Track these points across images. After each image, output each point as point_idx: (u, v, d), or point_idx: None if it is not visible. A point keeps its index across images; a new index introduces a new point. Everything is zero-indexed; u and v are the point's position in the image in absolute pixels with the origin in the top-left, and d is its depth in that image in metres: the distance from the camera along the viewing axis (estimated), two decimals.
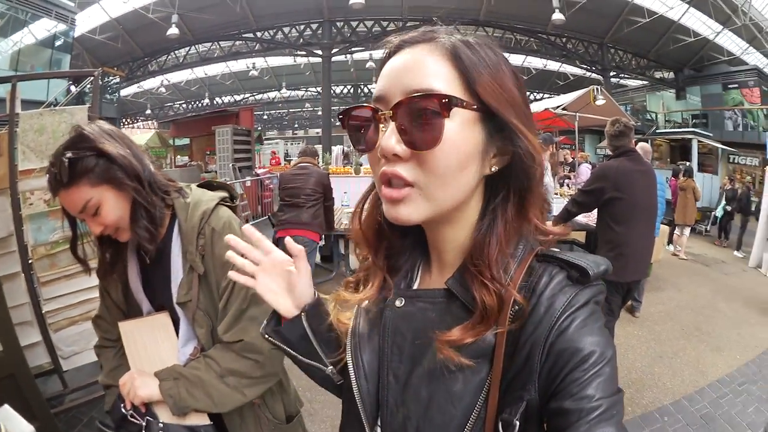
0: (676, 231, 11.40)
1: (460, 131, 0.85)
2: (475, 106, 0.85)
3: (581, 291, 0.85)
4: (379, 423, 1.03)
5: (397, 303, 1.04)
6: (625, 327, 6.80)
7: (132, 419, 1.77)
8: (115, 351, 2.10)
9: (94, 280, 4.21)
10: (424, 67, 0.86)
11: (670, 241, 10.99)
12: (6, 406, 1.62)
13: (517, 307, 0.87)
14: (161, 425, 1.76)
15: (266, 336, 1.26)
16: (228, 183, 2.13)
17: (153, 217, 1.75)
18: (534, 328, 0.84)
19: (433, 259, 1.06)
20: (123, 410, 1.79)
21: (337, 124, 32.71)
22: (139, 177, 1.71)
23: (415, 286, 1.08)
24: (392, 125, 0.87)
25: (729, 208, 13.02)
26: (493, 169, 0.92)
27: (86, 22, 25.14)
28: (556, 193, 10.09)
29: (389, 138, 0.86)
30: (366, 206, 1.10)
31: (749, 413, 5.14)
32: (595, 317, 0.84)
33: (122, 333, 1.93)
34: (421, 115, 0.84)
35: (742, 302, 8.94)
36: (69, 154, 1.60)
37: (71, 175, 1.61)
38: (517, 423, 0.81)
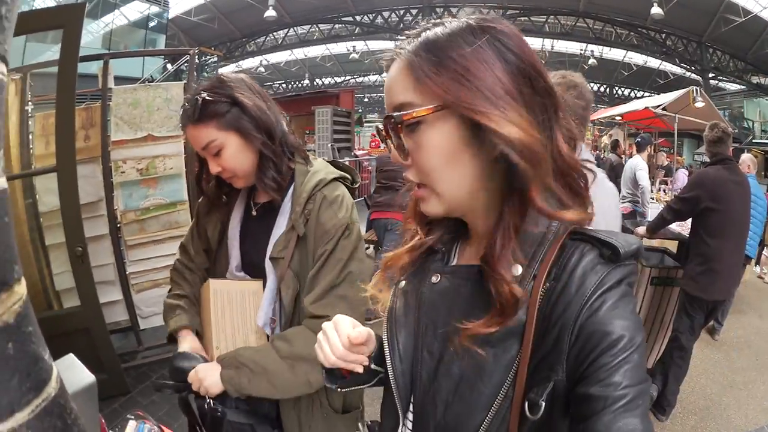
0: (765, 252, 10.31)
1: (431, 133, 0.89)
2: (435, 107, 0.86)
3: (613, 270, 0.84)
4: (412, 399, 1.05)
5: (433, 279, 1.07)
6: (702, 349, 6.38)
7: (212, 410, 1.77)
8: (189, 281, 2.14)
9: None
10: (394, 84, 0.93)
11: (758, 262, 10.24)
12: (71, 355, 1.63)
13: (548, 285, 0.87)
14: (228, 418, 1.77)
15: (340, 390, 1.24)
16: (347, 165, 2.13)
17: (281, 170, 1.81)
18: (564, 307, 0.83)
19: (472, 237, 1.07)
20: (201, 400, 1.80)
21: None
22: (270, 131, 1.77)
23: (453, 263, 1.09)
24: (394, 138, 0.95)
25: None
26: (504, 151, 0.85)
27: (180, 4, 25.82)
28: (652, 198, 9.66)
29: (393, 151, 0.96)
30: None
31: None
32: (627, 300, 0.83)
33: (211, 291, 1.90)
34: (393, 132, 0.93)
35: None
36: (204, 95, 1.68)
37: (201, 114, 1.69)
38: (543, 404, 0.81)
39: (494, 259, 0.89)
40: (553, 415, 0.82)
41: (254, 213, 1.94)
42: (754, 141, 23.15)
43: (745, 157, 8.18)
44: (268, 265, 1.84)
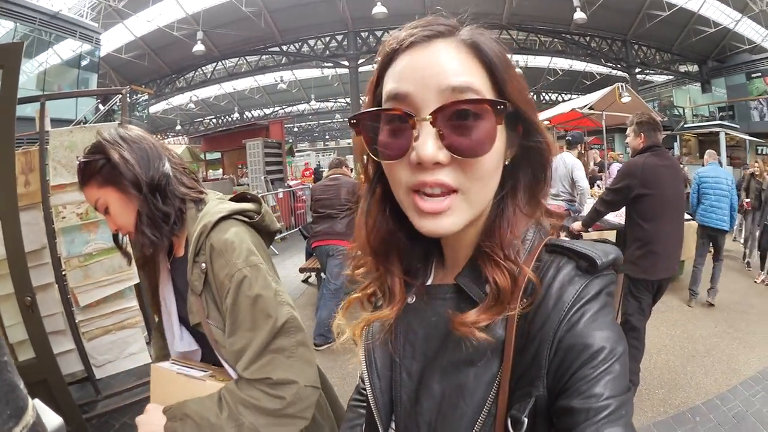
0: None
1: (494, 130, 0.81)
2: (509, 107, 0.82)
3: (591, 282, 0.83)
4: (393, 419, 1.04)
5: (409, 300, 1.04)
6: (658, 328, 6.69)
7: None
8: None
9: (128, 290, 4.36)
10: (455, 63, 0.81)
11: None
12: (37, 400, 1.61)
13: (531, 287, 0.84)
14: None
15: None
16: (260, 195, 2.07)
17: (155, 224, 1.76)
18: (543, 321, 0.81)
19: (446, 255, 1.04)
20: None
21: None
22: (137, 182, 1.73)
23: (429, 283, 1.06)
24: (431, 131, 0.80)
25: None
26: (506, 162, 0.89)
27: (111, 41, 25.57)
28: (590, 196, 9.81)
29: (429, 145, 0.80)
30: (373, 217, 1.04)
31: None
32: (606, 310, 0.82)
33: (152, 376, 1.88)
34: (469, 121, 0.80)
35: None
36: (81, 158, 1.75)
37: (82, 176, 1.76)
38: (526, 420, 0.79)
39: (501, 242, 0.87)
40: (536, 430, 0.81)
41: (168, 268, 1.92)
42: (685, 126, 23.77)
43: (707, 153, 9.71)
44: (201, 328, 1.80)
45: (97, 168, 1.72)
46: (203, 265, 1.70)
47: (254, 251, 1.74)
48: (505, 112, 0.80)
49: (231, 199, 1.98)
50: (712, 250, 8.62)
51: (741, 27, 26.12)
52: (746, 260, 10.69)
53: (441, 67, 0.80)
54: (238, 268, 1.66)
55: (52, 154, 4.19)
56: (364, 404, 1.27)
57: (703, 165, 9.52)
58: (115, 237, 1.94)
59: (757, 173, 10.81)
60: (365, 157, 0.99)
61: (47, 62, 21.73)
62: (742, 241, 11.18)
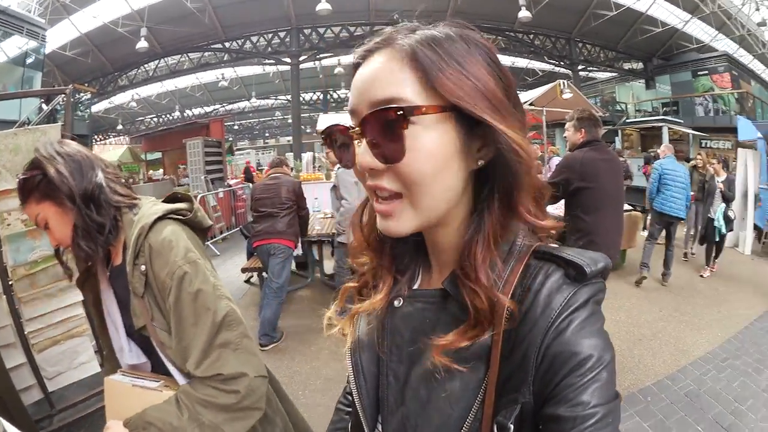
0: (650, 216, 11.27)
1: (428, 136, 0.83)
2: (439, 107, 0.82)
3: (580, 290, 0.82)
4: (380, 421, 1.04)
5: (396, 303, 1.05)
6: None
7: None
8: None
9: (74, 297, 4.19)
10: (384, 76, 0.85)
11: (645, 227, 11.16)
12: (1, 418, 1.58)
13: (510, 312, 0.84)
14: None
15: None
16: (195, 194, 2.06)
17: (90, 235, 1.78)
18: (530, 329, 0.81)
19: (432, 259, 1.05)
20: None
21: (308, 131, 32.19)
22: (71, 195, 1.75)
23: (416, 287, 1.07)
24: (363, 141, 0.87)
25: (732, 215, 9.93)
26: (480, 163, 0.89)
27: (56, 38, 24.93)
28: None
29: (364, 154, 0.87)
30: (365, 214, 1.10)
31: (735, 387, 5.24)
32: (594, 318, 0.81)
33: (106, 390, 1.86)
34: (384, 129, 0.83)
35: (721, 281, 9.12)
36: (19, 176, 1.78)
37: (21, 193, 1.79)
38: (512, 427, 0.80)
39: (476, 269, 0.87)
40: None
41: (108, 275, 1.93)
42: (627, 121, 24.33)
43: (663, 146, 10.60)
44: (146, 334, 1.80)
45: (35, 184, 1.76)
46: (143, 267, 1.72)
47: (192, 248, 1.78)
48: (405, 116, 0.81)
49: (163, 201, 2.01)
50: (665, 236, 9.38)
51: (690, 27, 26.88)
52: (686, 251, 11.19)
53: (371, 81, 0.85)
54: (178, 266, 1.70)
55: None
56: (349, 408, 1.34)
57: (659, 157, 10.22)
58: (57, 252, 1.96)
59: (700, 165, 11.05)
60: None
61: None
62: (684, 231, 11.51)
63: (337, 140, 0.97)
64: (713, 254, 9.80)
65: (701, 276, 9.48)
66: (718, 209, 9.66)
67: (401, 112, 0.81)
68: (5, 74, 21.86)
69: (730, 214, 9.61)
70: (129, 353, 1.91)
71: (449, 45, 0.85)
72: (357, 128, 0.87)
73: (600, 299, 0.85)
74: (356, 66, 0.92)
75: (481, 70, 0.85)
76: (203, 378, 1.65)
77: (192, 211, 1.93)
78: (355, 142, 0.88)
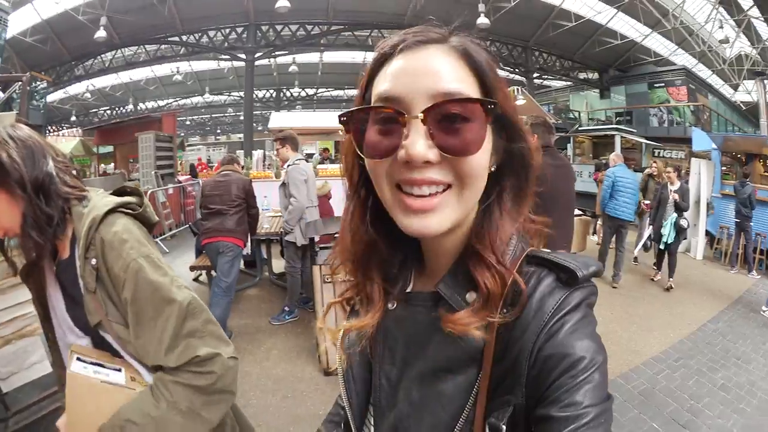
0: (599, 221, 11.69)
1: (484, 131, 0.84)
2: (494, 104, 0.83)
3: (571, 293, 0.83)
4: (372, 423, 1.05)
5: (389, 306, 1.04)
6: None
7: None
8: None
9: (24, 295, 4.05)
10: (445, 69, 0.83)
11: (594, 231, 11.57)
12: None
13: (509, 303, 0.85)
14: None
15: None
16: (145, 190, 1.99)
17: (39, 226, 1.68)
18: (522, 330, 0.81)
19: (427, 263, 1.04)
20: None
21: (260, 128, 31.90)
22: (22, 182, 1.65)
23: (409, 290, 1.06)
24: (421, 129, 0.81)
25: (685, 223, 9.84)
26: (492, 168, 0.91)
27: (17, 23, 24.22)
28: None
29: (418, 144, 0.81)
30: (354, 222, 1.04)
31: (690, 385, 5.37)
32: (586, 321, 0.82)
33: (68, 385, 1.74)
34: (459, 120, 0.81)
35: (673, 280, 9.37)
36: None
37: None
38: (504, 428, 0.79)
39: (492, 245, 0.88)
40: None
41: (54, 270, 1.82)
42: (580, 129, 24.73)
43: (613, 155, 11.15)
44: (101, 331, 1.74)
45: None
46: (93, 260, 1.67)
47: (144, 242, 1.75)
48: (494, 112, 0.83)
49: (112, 194, 1.94)
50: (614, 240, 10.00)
51: (649, 41, 27.52)
52: (635, 255, 11.49)
53: (432, 71, 0.82)
54: (133, 258, 1.66)
55: None
56: (336, 419, 1.31)
57: (607, 165, 10.82)
58: (1, 245, 1.86)
59: (655, 174, 11.37)
60: (351, 160, 0.99)
61: None
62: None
63: (359, 125, 0.89)
64: (663, 261, 9.90)
65: (652, 279, 9.84)
66: (669, 218, 9.70)
67: (491, 106, 0.82)
68: None
69: (683, 223, 9.61)
70: (73, 337, 1.84)
71: (485, 54, 0.88)
72: (418, 115, 0.81)
73: (592, 302, 0.86)
74: (386, 56, 0.88)
75: (504, 82, 0.89)
76: (178, 366, 1.63)
77: (142, 206, 1.88)
78: (404, 130, 0.83)
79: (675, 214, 9.66)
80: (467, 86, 0.83)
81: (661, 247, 9.78)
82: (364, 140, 0.88)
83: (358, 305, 1.11)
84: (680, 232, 9.66)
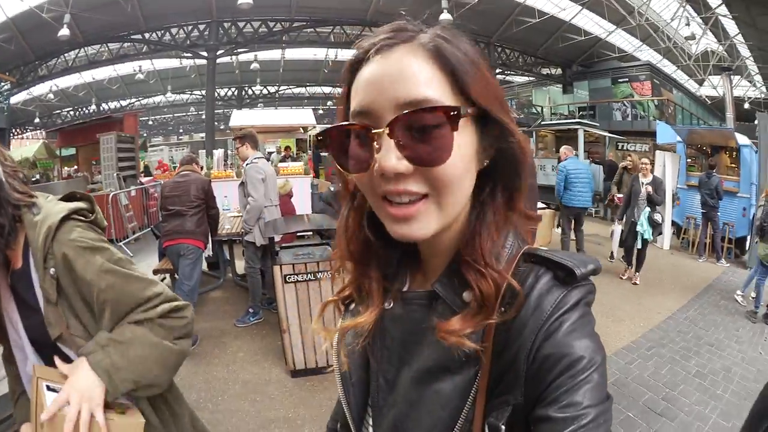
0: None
1: (461, 138, 0.81)
2: (470, 110, 0.82)
3: (570, 292, 0.82)
4: (371, 423, 1.06)
5: (386, 305, 1.04)
6: None
7: None
8: (16, 371, 1.95)
9: None
10: (411, 74, 0.80)
11: (559, 224, 11.53)
12: None
13: (507, 302, 0.84)
14: None
15: None
16: (107, 192, 1.96)
17: None
18: (521, 330, 0.81)
19: (423, 262, 1.04)
20: None
21: (222, 127, 32.12)
22: None
23: (405, 289, 1.06)
24: (390, 143, 0.81)
25: (659, 218, 9.46)
26: (485, 164, 0.90)
27: None
28: None
29: (388, 157, 0.80)
30: (350, 224, 1.05)
31: (663, 374, 5.43)
32: (585, 320, 0.81)
33: (33, 379, 1.69)
34: (425, 130, 0.79)
35: (641, 275, 9.40)
36: None
37: None
38: (503, 428, 0.79)
39: (482, 251, 0.87)
40: None
41: (9, 282, 1.76)
42: (542, 123, 24.92)
43: (563, 149, 11.41)
44: (60, 344, 1.74)
45: None
46: (52, 270, 1.65)
47: (105, 245, 1.77)
48: (459, 118, 0.79)
49: (61, 200, 1.90)
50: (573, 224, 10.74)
51: (613, 37, 27.71)
52: (612, 250, 11.36)
53: (398, 78, 0.81)
54: (103, 261, 1.69)
55: None
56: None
57: (560, 159, 11.12)
58: None
59: (630, 167, 11.53)
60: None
61: None
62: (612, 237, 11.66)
63: (337, 142, 0.90)
64: (634, 258, 9.74)
65: (621, 277, 9.72)
66: (642, 213, 9.46)
67: (454, 113, 0.78)
68: None
69: (657, 218, 9.39)
70: (30, 361, 1.81)
71: (462, 45, 0.85)
72: (382, 129, 0.81)
73: (590, 301, 0.86)
74: (359, 62, 0.88)
75: (489, 72, 0.87)
76: (161, 315, 1.77)
77: (94, 212, 1.87)
78: (374, 144, 0.83)
79: (648, 209, 9.43)
80: (436, 88, 0.80)
81: (639, 245, 9.51)
82: (342, 156, 0.89)
83: (356, 303, 1.12)
84: (655, 227, 9.44)
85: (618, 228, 10.58)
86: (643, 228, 9.35)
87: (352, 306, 1.14)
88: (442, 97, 0.80)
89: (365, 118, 0.84)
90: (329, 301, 1.17)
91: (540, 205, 10.63)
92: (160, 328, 1.74)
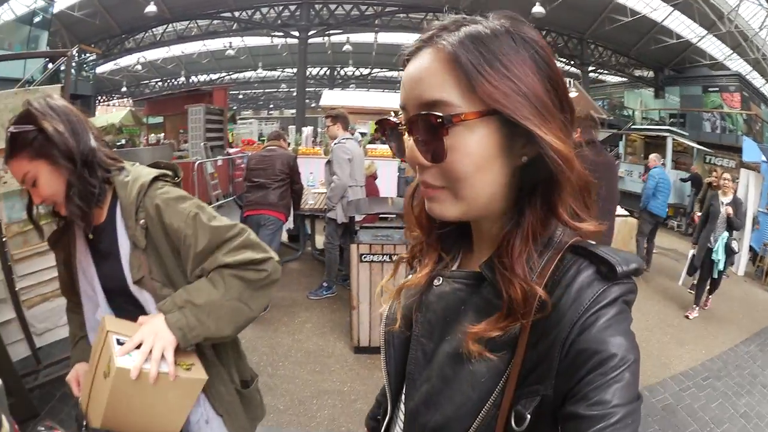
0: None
1: (471, 138, 0.83)
2: (480, 112, 0.82)
3: (610, 287, 0.82)
4: (404, 397, 1.09)
5: (435, 282, 1.06)
6: None
7: None
8: (80, 319, 2.11)
9: None
10: (428, 77, 0.85)
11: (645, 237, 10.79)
12: None
13: (541, 302, 0.84)
14: None
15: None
16: (193, 161, 2.13)
17: (85, 196, 1.77)
18: (557, 321, 0.81)
19: (474, 243, 1.06)
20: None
21: (312, 105, 31.88)
22: (71, 155, 1.73)
23: (455, 267, 1.08)
24: (410, 138, 0.89)
25: (736, 246, 8.36)
26: (524, 159, 0.88)
27: None
28: None
29: (412, 150, 0.89)
30: (417, 195, 1.08)
31: (712, 408, 5.22)
32: (622, 317, 0.81)
33: (100, 328, 1.79)
34: (429, 130, 0.84)
35: (712, 298, 8.84)
36: (12, 129, 1.70)
37: (11, 148, 1.71)
38: (529, 417, 0.80)
39: (512, 260, 0.87)
40: (538, 429, 0.81)
41: (90, 237, 1.91)
42: (633, 127, 24.18)
43: (652, 156, 11.66)
44: (135, 289, 1.88)
45: (28, 140, 1.71)
46: (142, 221, 1.81)
47: (193, 197, 1.94)
48: (445, 124, 0.82)
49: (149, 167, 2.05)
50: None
51: (704, 43, 26.67)
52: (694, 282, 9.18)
53: (418, 80, 0.87)
54: (190, 209, 1.83)
55: None
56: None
57: (647, 166, 11.36)
58: (29, 210, 1.95)
59: (715, 183, 10.42)
60: None
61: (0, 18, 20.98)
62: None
63: (386, 131, 1.02)
64: (707, 290, 8.35)
65: (686, 317, 8.09)
66: (719, 238, 8.01)
67: (440, 120, 0.82)
68: (11, 33, 21.72)
69: (734, 246, 8.10)
70: (101, 312, 1.96)
71: (493, 43, 0.83)
72: (404, 126, 0.91)
73: (630, 300, 0.85)
74: (403, 62, 0.93)
75: (526, 70, 0.83)
76: (237, 264, 1.82)
77: (178, 177, 2.04)
78: (405, 137, 0.92)
79: (726, 233, 8.00)
80: (450, 91, 0.83)
81: (714, 275, 8.06)
82: (391, 143, 1.03)
83: (416, 264, 1.17)
84: (729, 255, 8.13)
85: (692, 251, 8.66)
86: (718, 256, 7.95)
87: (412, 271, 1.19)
88: (456, 99, 0.82)
89: (404, 113, 0.92)
90: (401, 259, 1.23)
91: (622, 211, 10.28)
92: (238, 281, 1.82)
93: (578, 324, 0.79)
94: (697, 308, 8.26)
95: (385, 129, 1.02)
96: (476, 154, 0.84)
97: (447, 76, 0.83)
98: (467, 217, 0.93)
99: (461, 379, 0.91)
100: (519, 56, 0.84)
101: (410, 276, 1.16)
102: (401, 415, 1.11)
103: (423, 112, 0.84)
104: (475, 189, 0.87)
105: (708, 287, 8.40)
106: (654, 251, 10.60)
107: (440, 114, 0.82)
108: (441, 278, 1.06)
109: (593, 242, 0.92)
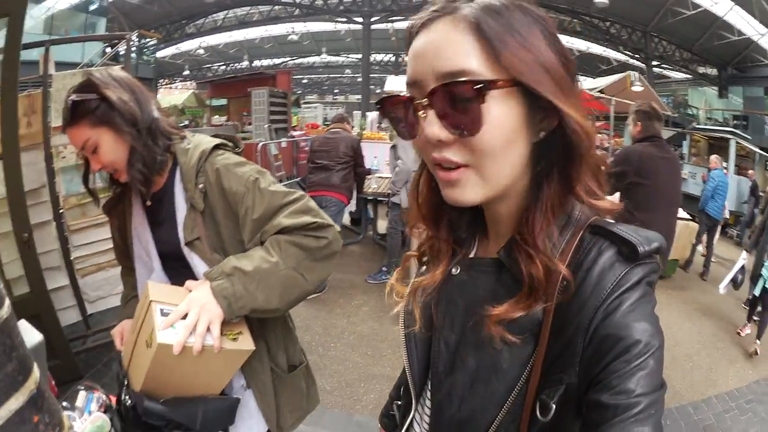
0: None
1: (500, 108, 0.80)
2: (509, 81, 0.78)
3: (633, 269, 0.79)
4: (429, 388, 1.06)
5: (453, 271, 1.05)
6: None
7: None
8: (133, 281, 2.16)
9: None
10: (450, 45, 0.80)
11: (700, 241, 10.22)
12: (22, 320, 1.62)
13: (565, 282, 0.83)
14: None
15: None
16: (257, 142, 2.13)
17: (148, 162, 1.80)
18: (580, 307, 0.80)
19: (490, 228, 1.03)
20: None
21: (377, 91, 31.37)
22: (135, 122, 1.76)
23: (472, 255, 1.06)
24: (431, 112, 0.83)
25: None
26: (541, 135, 0.86)
27: None
28: None
29: (431, 125, 0.83)
30: (421, 186, 1.07)
31: None
32: (645, 300, 0.79)
33: (144, 295, 1.72)
34: (459, 101, 0.79)
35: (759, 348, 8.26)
36: (73, 97, 1.71)
37: (73, 115, 1.72)
38: (554, 406, 0.79)
39: (534, 235, 0.86)
40: (562, 417, 0.80)
41: (149, 203, 1.93)
42: (697, 126, 23.40)
43: (713, 157, 11.36)
44: (186, 251, 1.87)
45: (90, 108, 1.72)
46: (201, 185, 1.82)
47: (252, 163, 1.92)
48: (483, 91, 0.77)
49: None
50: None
51: (765, 41, 25.43)
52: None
53: (438, 50, 0.81)
54: (250, 174, 1.82)
55: (54, 97, 4.26)
56: (399, 401, 1.33)
57: (710, 167, 11.00)
58: (86, 180, 1.97)
59: None
60: None
61: (55, 7, 21.56)
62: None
63: (392, 110, 0.93)
64: (756, 309, 7.10)
65: (738, 333, 7.23)
66: None
67: (480, 86, 0.77)
68: (67, 20, 22.29)
69: None
70: (156, 276, 1.97)
71: (510, 16, 0.81)
72: (423, 99, 0.83)
73: (652, 281, 0.82)
74: (412, 34, 0.89)
75: (542, 44, 0.82)
76: (294, 226, 1.76)
77: (239, 148, 2.04)
78: (420, 113, 0.85)
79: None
80: (474, 59, 0.79)
81: (756, 292, 6.93)
82: (397, 123, 0.93)
83: (429, 261, 1.13)
84: None
85: (741, 261, 7.38)
86: (767, 273, 6.69)
87: (424, 267, 1.15)
88: (480, 68, 0.78)
89: (414, 88, 0.86)
90: (409, 255, 1.19)
91: (684, 215, 9.46)
92: (297, 248, 1.75)
93: (601, 309, 0.77)
94: (749, 324, 7.28)
95: (391, 108, 0.93)
96: (505, 125, 0.81)
97: (469, 45, 0.79)
98: (487, 199, 0.89)
99: (486, 371, 0.90)
100: (533, 30, 0.82)
101: (423, 274, 1.13)
102: (425, 410, 1.09)
103: (453, 80, 0.79)
104: (500, 166, 0.84)
105: (758, 325, 6.90)
106: (713, 260, 9.76)
107: (478, 80, 0.78)
108: (459, 267, 1.04)
109: (611, 221, 0.91)
